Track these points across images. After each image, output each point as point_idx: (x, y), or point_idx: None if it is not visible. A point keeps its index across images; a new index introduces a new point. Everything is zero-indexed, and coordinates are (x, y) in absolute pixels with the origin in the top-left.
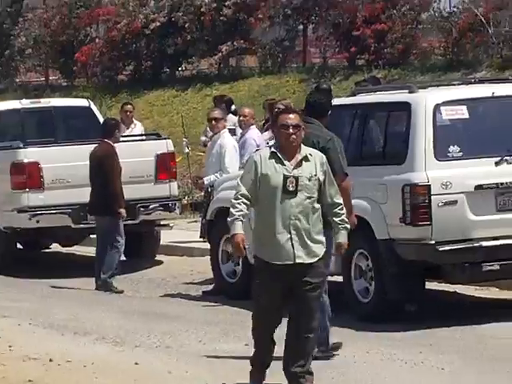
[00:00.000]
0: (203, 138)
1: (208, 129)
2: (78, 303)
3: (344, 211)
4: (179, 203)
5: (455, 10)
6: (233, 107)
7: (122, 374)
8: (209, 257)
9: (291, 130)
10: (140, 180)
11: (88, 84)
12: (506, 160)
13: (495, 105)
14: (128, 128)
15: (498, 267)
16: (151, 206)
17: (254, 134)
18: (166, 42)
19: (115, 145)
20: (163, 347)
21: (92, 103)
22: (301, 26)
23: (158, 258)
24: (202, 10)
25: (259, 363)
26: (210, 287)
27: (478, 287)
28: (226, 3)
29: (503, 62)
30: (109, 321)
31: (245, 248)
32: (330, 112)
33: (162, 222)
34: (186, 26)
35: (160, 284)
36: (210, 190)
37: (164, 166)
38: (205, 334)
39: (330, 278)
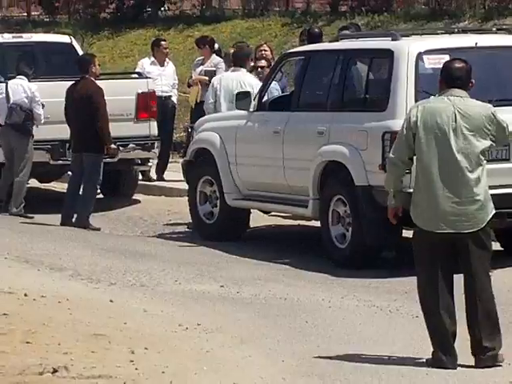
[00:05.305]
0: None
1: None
2: (55, 239)
3: None
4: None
5: None
6: (216, 46)
7: (97, 311)
8: (186, 197)
9: None
10: (120, 118)
11: (70, 21)
12: None
13: (478, 55)
14: (162, 66)
15: None
16: (130, 145)
17: None
18: None
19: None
20: (138, 286)
21: (74, 40)
22: None
23: (136, 197)
24: None
25: None
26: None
27: None
28: None
29: (486, 12)
30: (85, 258)
31: None
32: None
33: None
34: None
35: (137, 223)
36: (190, 130)
37: (144, 105)
38: (180, 274)
39: (307, 223)
